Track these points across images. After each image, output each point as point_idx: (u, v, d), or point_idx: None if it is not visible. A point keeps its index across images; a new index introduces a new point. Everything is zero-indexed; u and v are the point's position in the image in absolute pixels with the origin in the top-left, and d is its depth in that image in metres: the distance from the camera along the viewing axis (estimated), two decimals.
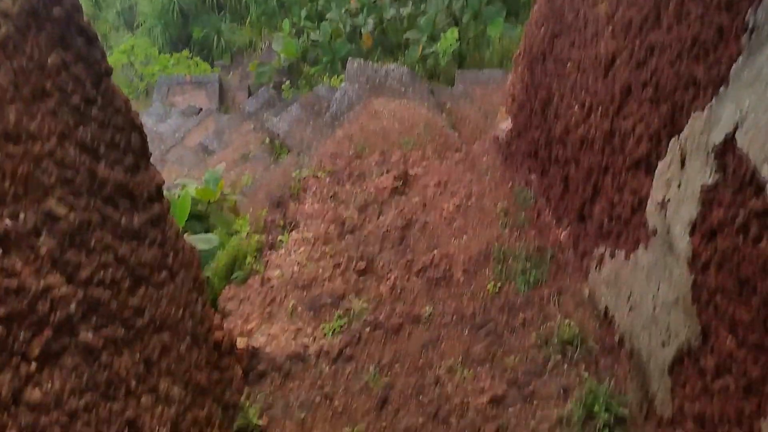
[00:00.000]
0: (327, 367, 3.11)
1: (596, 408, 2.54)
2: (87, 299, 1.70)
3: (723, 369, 1.87)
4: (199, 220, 4.63)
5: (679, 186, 2.12)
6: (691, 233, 2.03)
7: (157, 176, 2.18)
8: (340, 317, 3.44)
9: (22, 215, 1.49)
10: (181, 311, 2.25)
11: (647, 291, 2.34)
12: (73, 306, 1.63)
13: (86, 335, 1.66)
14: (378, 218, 4.15)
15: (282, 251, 4.09)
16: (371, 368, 3.06)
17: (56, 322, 1.56)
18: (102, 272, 1.78)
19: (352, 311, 3.45)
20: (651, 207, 2.35)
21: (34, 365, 1.47)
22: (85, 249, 1.72)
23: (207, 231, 4.54)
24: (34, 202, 1.53)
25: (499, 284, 3.32)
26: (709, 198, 1.92)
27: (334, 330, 3.35)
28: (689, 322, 2.04)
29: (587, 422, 2.56)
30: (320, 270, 3.77)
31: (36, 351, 1.47)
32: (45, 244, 1.56)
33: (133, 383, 1.85)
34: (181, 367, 2.20)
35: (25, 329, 1.45)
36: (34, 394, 1.46)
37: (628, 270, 2.55)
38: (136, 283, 1.96)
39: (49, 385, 1.52)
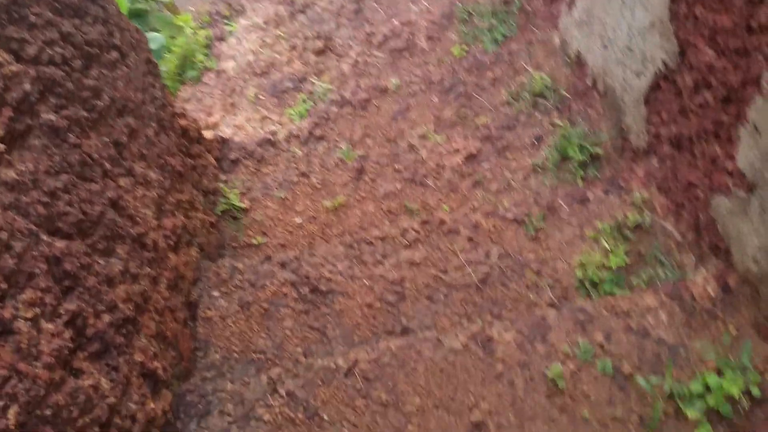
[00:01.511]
0: (299, 149, 3.08)
1: (570, 151, 2.61)
2: (41, 79, 1.56)
3: (701, 84, 1.88)
4: (140, 18, 4.23)
5: None
6: None
7: None
8: (304, 100, 3.33)
9: None
10: (140, 95, 2.11)
11: (621, 21, 2.27)
12: (27, 85, 1.49)
13: (48, 116, 1.55)
14: None
15: (233, 41, 3.84)
16: (343, 145, 3.04)
17: (14, 101, 1.44)
18: (49, 50, 1.61)
19: (315, 93, 3.35)
20: None
21: (1, 146, 1.38)
22: (25, 24, 1.55)
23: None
24: None
25: (465, 46, 3.21)
26: None
27: (301, 113, 3.27)
28: (666, 44, 2.01)
29: (562, 165, 2.64)
30: (276, 55, 3.57)
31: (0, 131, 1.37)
32: None
33: (108, 165, 1.78)
34: (152, 151, 2.12)
35: None
36: (8, 173, 1.38)
37: (600, 4, 2.45)
38: (88, 63, 1.80)
39: (22, 167, 1.44)
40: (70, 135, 1.62)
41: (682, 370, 1.88)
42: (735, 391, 1.74)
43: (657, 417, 1.81)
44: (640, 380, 1.87)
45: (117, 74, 1.95)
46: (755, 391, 1.75)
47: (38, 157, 1.48)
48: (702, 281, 2.02)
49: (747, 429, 1.75)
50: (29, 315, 1.30)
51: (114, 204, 1.76)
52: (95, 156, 1.71)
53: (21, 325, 1.26)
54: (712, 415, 1.78)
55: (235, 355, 2.31)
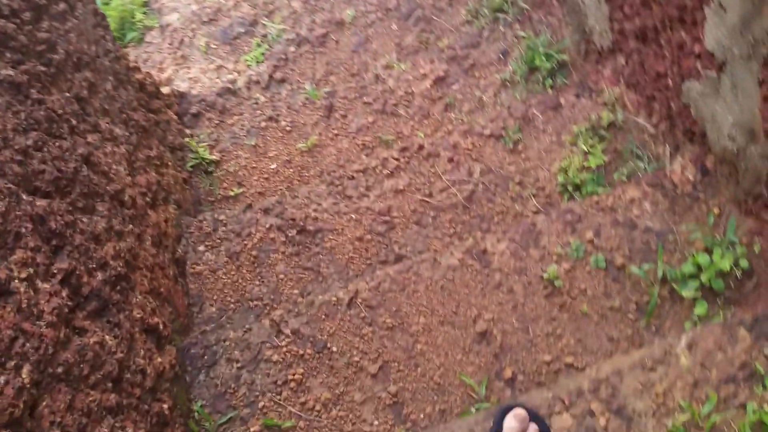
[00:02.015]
0: (262, 95, 3.00)
1: (537, 61, 2.60)
2: None
3: None
4: None
5: None
6: None
7: None
8: (259, 44, 3.23)
9: None
10: (93, 48, 2.01)
11: None
12: None
13: (6, 72, 1.46)
14: None
15: None
16: (307, 84, 2.97)
17: None
18: None
19: (269, 35, 3.24)
20: None
21: None
22: None
23: None
24: None
25: None
26: None
27: (257, 58, 3.17)
28: None
29: (530, 76, 2.64)
30: (222, 0, 3.43)
31: None
32: None
33: (74, 121, 1.70)
34: (114, 106, 2.04)
35: None
36: None
37: None
38: (37, 15, 1.70)
39: None
40: (32, 91, 1.54)
41: (672, 254, 1.94)
42: (726, 266, 1.80)
43: (654, 302, 1.88)
44: (633, 269, 1.93)
45: (68, 26, 1.85)
46: (744, 264, 1.82)
47: (3, 115, 1.40)
48: (680, 167, 2.07)
49: (740, 300, 1.83)
50: (24, 275, 1.25)
51: (87, 161, 1.69)
52: (60, 112, 1.63)
53: (18, 285, 1.22)
54: (706, 292, 1.85)
55: (232, 305, 2.30)
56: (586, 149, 2.29)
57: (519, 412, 1.56)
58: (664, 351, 1.66)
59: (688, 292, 1.85)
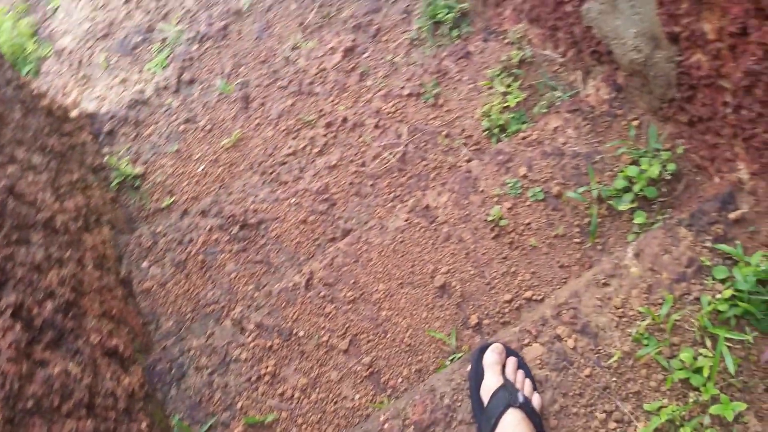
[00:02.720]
0: (174, 99, 2.91)
1: (440, 15, 2.62)
2: None
3: None
4: None
5: None
6: None
7: None
8: (160, 49, 3.12)
9: None
10: None
11: None
12: None
13: None
14: None
15: (61, 16, 3.50)
16: (218, 80, 2.91)
17: None
18: None
19: (168, 38, 3.14)
20: None
21: None
22: None
23: None
24: None
25: None
26: None
27: (161, 63, 3.07)
28: None
29: (436, 31, 2.66)
30: (113, 13, 3.29)
31: None
32: None
33: None
34: (27, 135, 1.94)
35: None
36: None
37: None
38: None
39: None
40: None
41: (603, 173, 2.01)
42: (655, 173, 1.89)
43: (595, 222, 1.95)
44: (569, 195, 2.00)
45: None
46: (671, 167, 1.91)
47: None
48: (594, 89, 2.15)
49: (674, 202, 1.93)
50: None
51: (11, 192, 1.61)
52: None
53: None
54: (642, 201, 1.94)
55: (188, 315, 2.25)
56: (503, 90, 2.34)
57: (496, 345, 1.61)
58: (614, 265, 1.73)
59: (624, 206, 1.94)
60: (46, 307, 1.42)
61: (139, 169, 2.64)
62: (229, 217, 2.34)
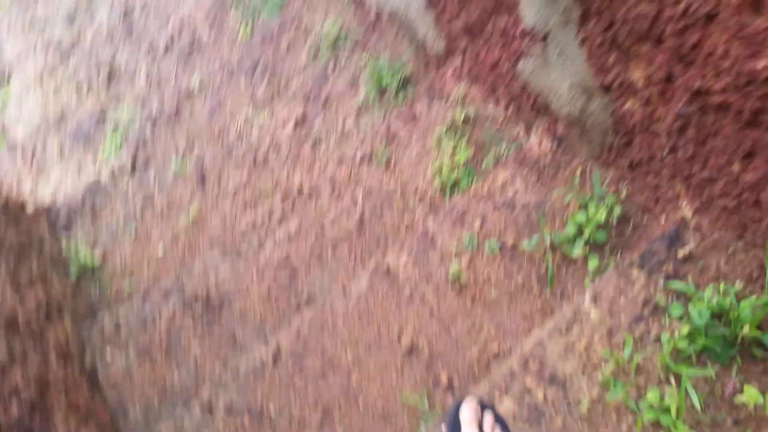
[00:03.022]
0: (130, 182, 2.91)
1: (384, 81, 2.71)
2: None
3: None
4: None
5: None
6: None
7: None
8: (113, 134, 3.14)
9: None
10: None
11: None
12: None
13: None
14: (91, 22, 3.62)
15: (12, 109, 3.50)
16: (173, 160, 2.93)
17: None
18: None
19: (121, 121, 3.16)
20: None
21: None
22: None
23: None
24: None
25: (248, 23, 3.18)
26: None
27: (116, 147, 3.08)
28: None
29: (382, 96, 2.75)
30: (64, 100, 3.31)
31: None
32: None
33: None
34: None
35: None
36: None
37: None
38: None
39: None
40: None
41: (554, 220, 2.07)
42: (602, 218, 1.95)
43: (551, 270, 2.00)
44: (524, 245, 2.04)
45: None
46: (617, 210, 1.97)
47: None
48: (537, 141, 2.23)
49: (624, 244, 1.99)
50: None
51: None
52: None
53: None
54: (593, 246, 1.99)
55: (156, 402, 2.20)
56: (451, 148, 2.41)
57: (470, 398, 1.61)
58: (574, 311, 1.77)
59: (577, 252, 1.99)
60: (13, 406, 1.39)
61: (97, 257, 2.62)
62: (192, 297, 2.32)
